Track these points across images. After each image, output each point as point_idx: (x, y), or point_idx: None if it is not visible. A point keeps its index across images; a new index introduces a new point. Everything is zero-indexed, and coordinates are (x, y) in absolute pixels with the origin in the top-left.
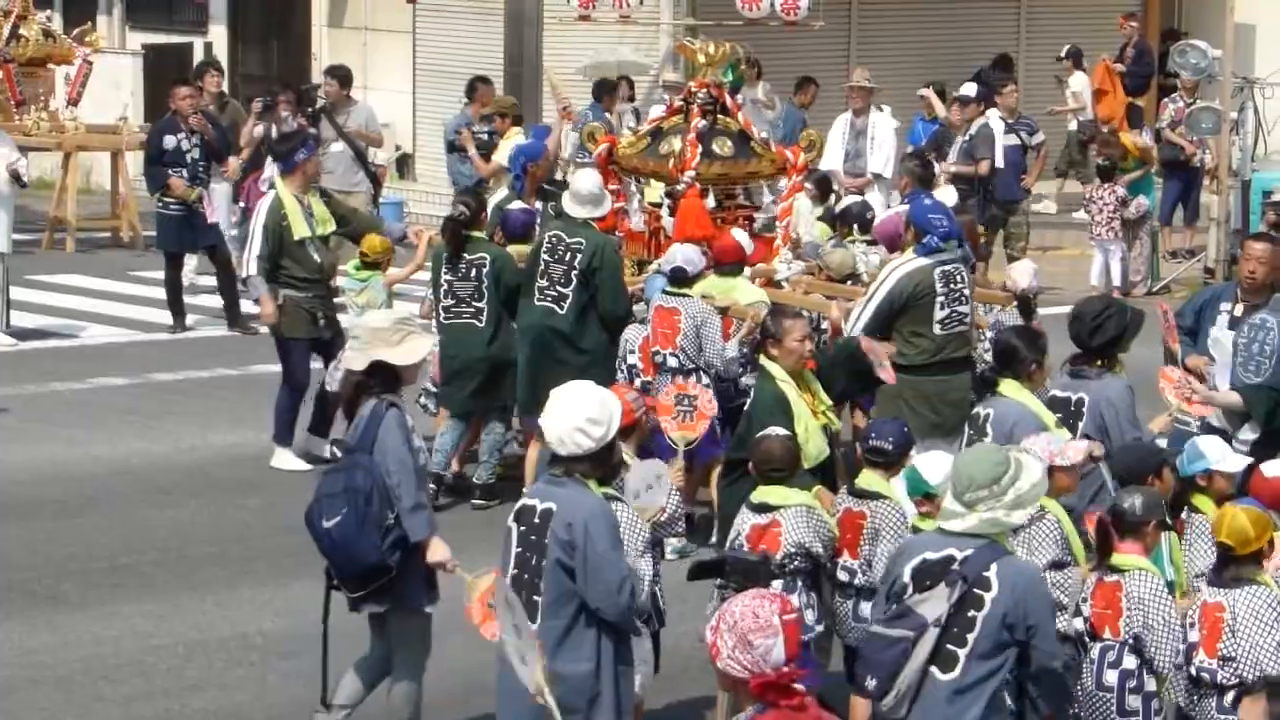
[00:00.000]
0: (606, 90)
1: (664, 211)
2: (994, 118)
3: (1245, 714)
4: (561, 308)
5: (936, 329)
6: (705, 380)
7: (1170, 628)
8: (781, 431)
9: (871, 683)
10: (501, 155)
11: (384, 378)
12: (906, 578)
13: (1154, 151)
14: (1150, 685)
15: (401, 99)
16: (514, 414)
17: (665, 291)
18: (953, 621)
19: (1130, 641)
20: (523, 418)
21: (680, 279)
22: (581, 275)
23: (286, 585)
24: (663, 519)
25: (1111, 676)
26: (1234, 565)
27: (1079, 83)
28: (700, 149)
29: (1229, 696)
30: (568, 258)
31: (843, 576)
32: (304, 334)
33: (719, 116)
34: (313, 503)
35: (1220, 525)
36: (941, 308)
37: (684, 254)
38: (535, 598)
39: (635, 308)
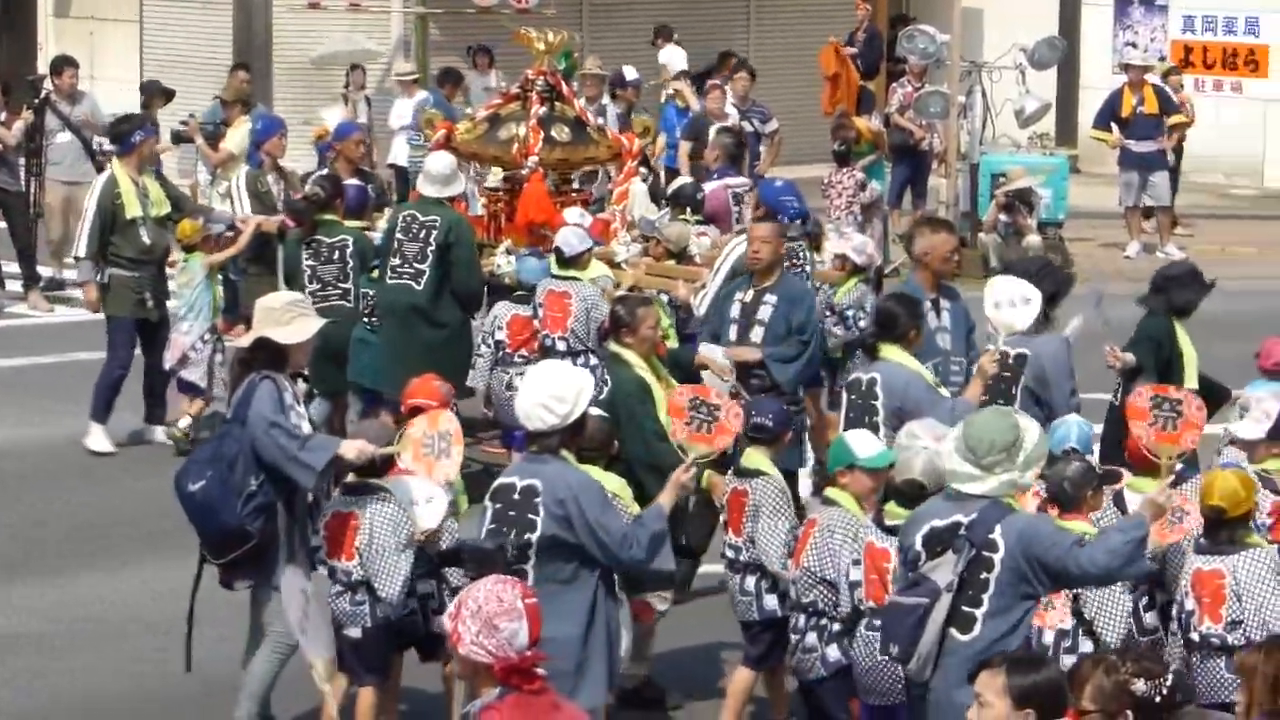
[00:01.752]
0: (450, 79)
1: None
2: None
3: None
4: (419, 284)
5: None
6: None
7: (1112, 592)
8: (597, 412)
9: (894, 649)
10: (230, 142)
11: (269, 356)
12: (919, 546)
13: (884, 136)
14: (1086, 646)
15: (129, 89)
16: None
17: (555, 275)
18: (966, 585)
19: (1072, 603)
20: (384, 394)
21: (561, 260)
22: (438, 252)
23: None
24: (422, 540)
25: (1048, 637)
26: (1227, 528)
27: (669, 56)
28: (541, 135)
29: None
30: (423, 235)
31: (729, 554)
32: (128, 313)
33: (555, 103)
34: (181, 468)
35: (1211, 490)
36: None
37: (562, 236)
38: (519, 566)
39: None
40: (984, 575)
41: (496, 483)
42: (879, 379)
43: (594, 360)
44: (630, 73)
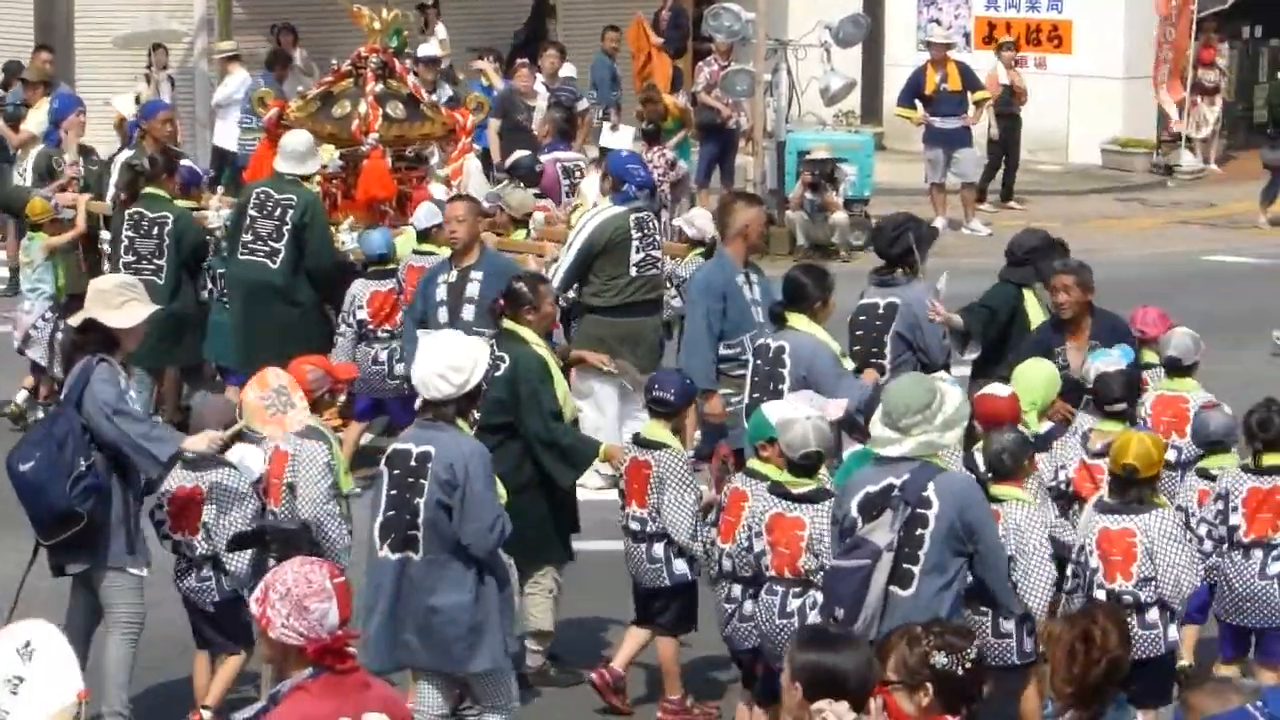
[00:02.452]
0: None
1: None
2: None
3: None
4: (274, 262)
5: (632, 271)
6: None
7: (1041, 553)
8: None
9: (840, 612)
10: (31, 123)
11: (100, 338)
12: (854, 513)
13: (690, 114)
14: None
15: None
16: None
17: (416, 251)
18: (904, 542)
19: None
20: (239, 369)
21: (426, 237)
22: (294, 230)
23: None
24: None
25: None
26: (1137, 488)
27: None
28: (380, 112)
29: (1151, 613)
30: (278, 213)
31: (634, 526)
32: None
33: (389, 81)
34: (14, 448)
35: (1125, 450)
36: (637, 251)
37: (427, 212)
38: (411, 533)
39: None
40: (919, 531)
41: (391, 449)
42: (787, 347)
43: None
44: (430, 48)
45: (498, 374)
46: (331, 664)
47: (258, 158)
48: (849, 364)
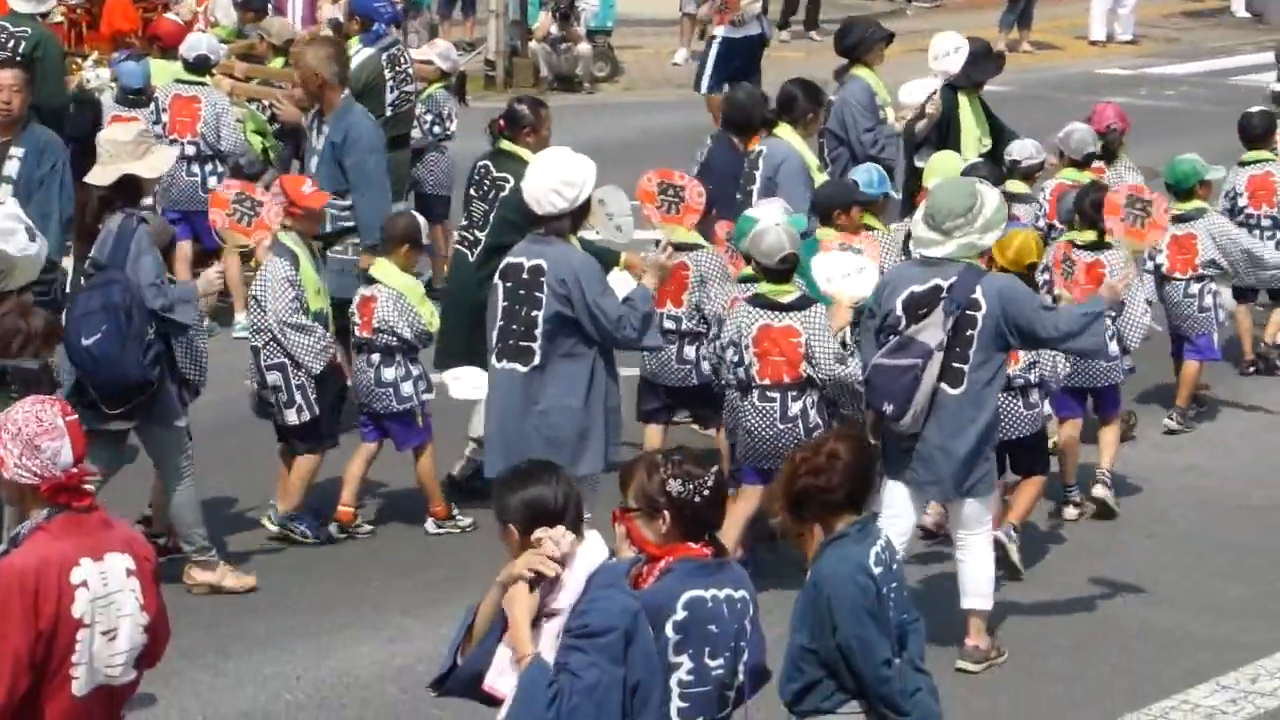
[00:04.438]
0: None
1: None
2: None
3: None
4: None
5: (388, 112)
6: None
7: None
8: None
9: (889, 408)
10: None
11: (128, 192)
12: (899, 310)
13: None
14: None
15: None
16: None
17: (181, 80)
18: (953, 342)
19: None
20: None
21: (202, 66)
22: (26, 63)
23: None
24: None
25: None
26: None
27: None
28: None
29: (1033, 394)
30: (10, 45)
31: (668, 324)
32: None
33: None
34: (67, 322)
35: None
36: (391, 90)
37: (208, 43)
38: (525, 343)
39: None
40: (969, 332)
41: (505, 262)
42: (765, 150)
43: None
44: None
45: (504, 194)
46: (68, 502)
47: None
48: (821, 177)
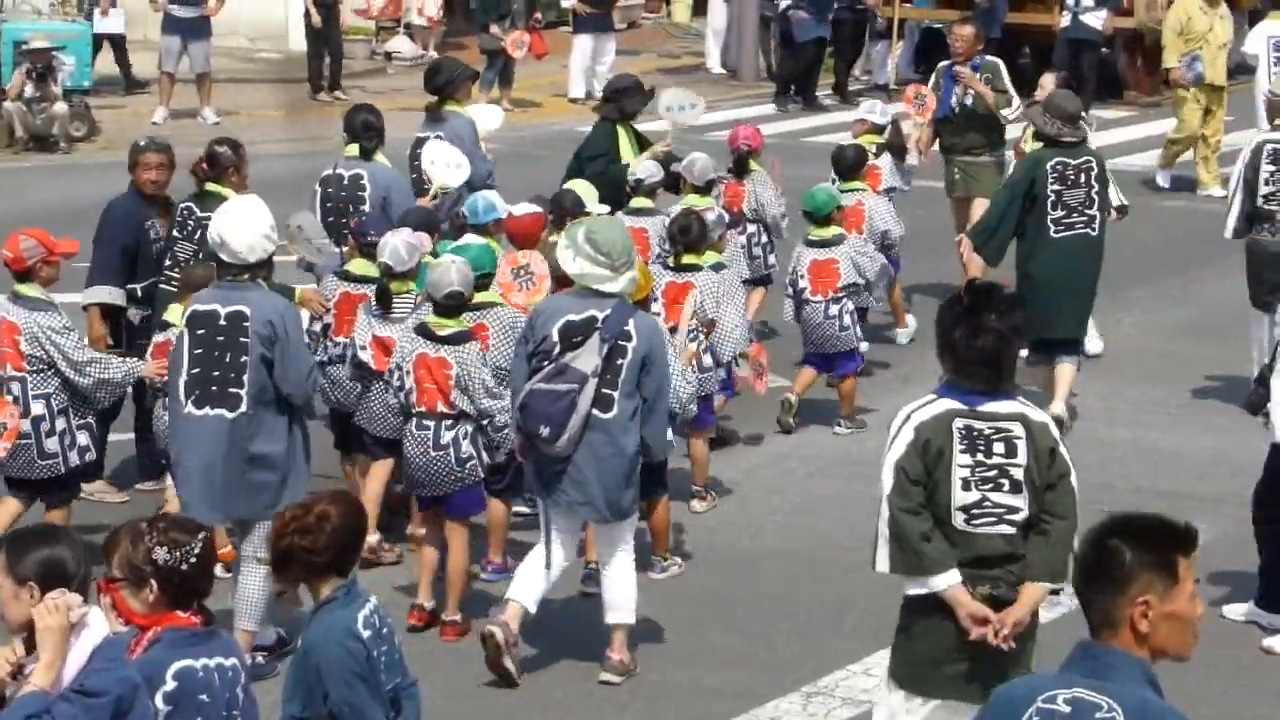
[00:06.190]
0: None
1: None
2: None
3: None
4: None
5: None
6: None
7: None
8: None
9: (545, 430)
10: None
11: None
12: (555, 337)
13: None
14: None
15: None
16: None
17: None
18: (605, 370)
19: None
20: None
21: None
22: None
23: None
24: None
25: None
26: None
27: None
28: None
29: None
30: None
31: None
32: None
33: None
34: None
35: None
36: None
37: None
38: (232, 389)
39: None
40: (620, 361)
41: (192, 310)
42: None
43: None
44: None
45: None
46: None
47: None
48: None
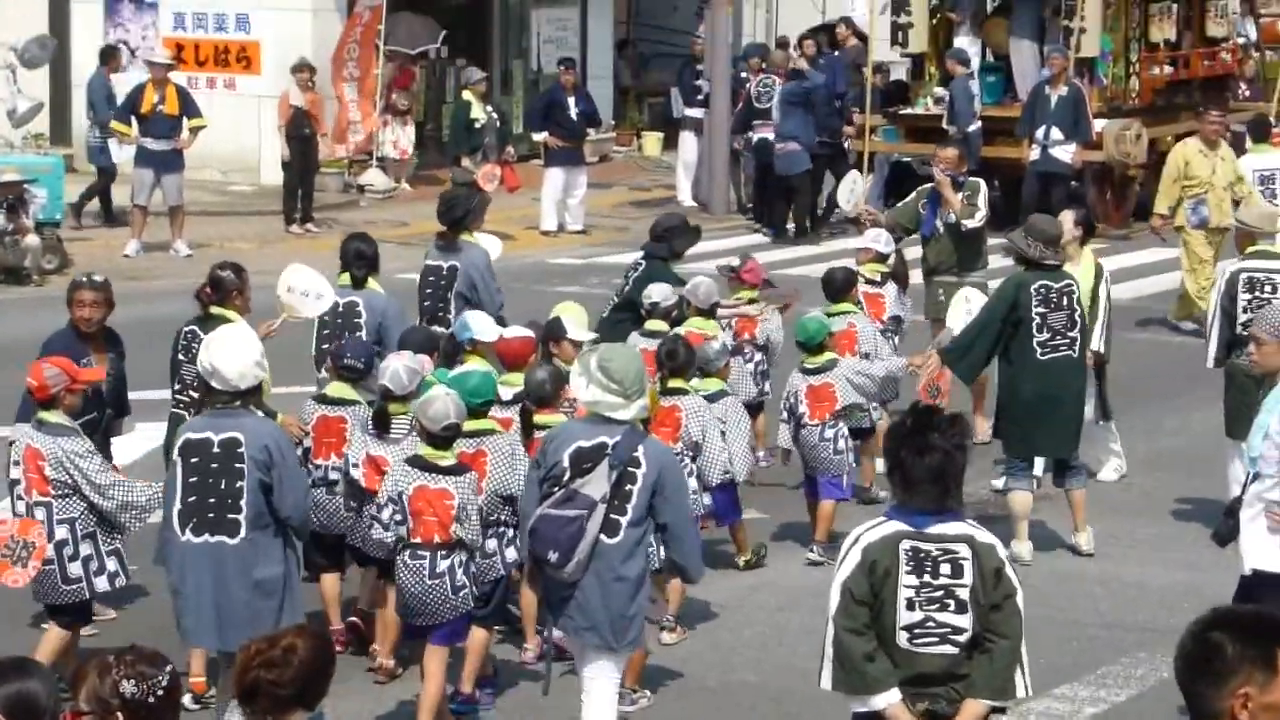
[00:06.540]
0: None
1: None
2: None
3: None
4: None
5: None
6: None
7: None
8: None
9: (554, 555)
10: None
11: None
12: (566, 463)
13: None
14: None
15: None
16: None
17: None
18: (614, 496)
19: None
20: None
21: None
22: None
23: None
24: None
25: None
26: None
27: None
28: None
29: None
30: None
31: (334, 475)
32: None
33: None
34: None
35: None
36: None
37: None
38: (231, 515)
39: None
40: (628, 487)
41: (184, 438)
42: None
43: None
44: None
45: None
46: None
47: None
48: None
